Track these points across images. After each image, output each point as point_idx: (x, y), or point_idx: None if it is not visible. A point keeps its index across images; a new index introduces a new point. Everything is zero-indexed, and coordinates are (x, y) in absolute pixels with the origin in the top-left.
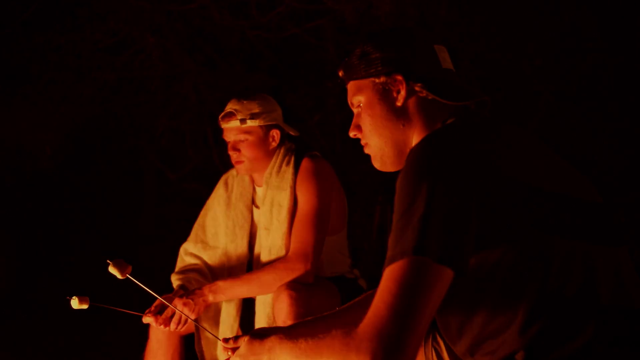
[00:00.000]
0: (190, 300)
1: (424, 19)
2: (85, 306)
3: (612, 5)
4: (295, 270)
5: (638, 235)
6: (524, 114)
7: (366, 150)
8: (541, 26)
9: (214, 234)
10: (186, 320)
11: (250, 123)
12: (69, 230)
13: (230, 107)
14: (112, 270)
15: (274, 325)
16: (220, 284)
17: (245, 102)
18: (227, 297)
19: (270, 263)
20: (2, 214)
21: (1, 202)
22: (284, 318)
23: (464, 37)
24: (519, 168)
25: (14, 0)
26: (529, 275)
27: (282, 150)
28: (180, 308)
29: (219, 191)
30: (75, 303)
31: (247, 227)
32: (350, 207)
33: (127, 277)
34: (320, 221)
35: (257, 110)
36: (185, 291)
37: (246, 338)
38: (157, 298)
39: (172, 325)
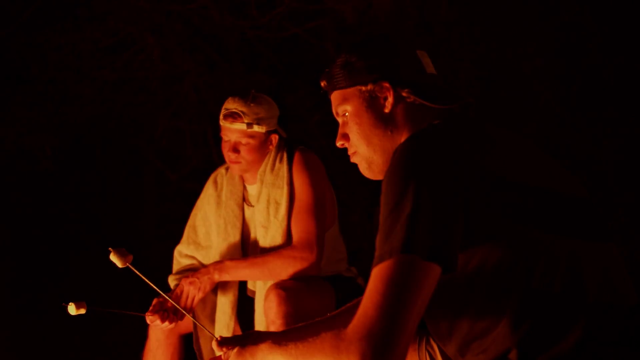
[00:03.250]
0: (196, 279)
1: (424, 19)
2: (82, 311)
3: (612, 5)
4: (302, 260)
5: (638, 235)
6: (524, 114)
7: (353, 159)
8: (541, 26)
9: (205, 234)
10: (190, 310)
11: (256, 128)
12: (68, 230)
13: (235, 107)
14: (113, 258)
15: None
16: (227, 263)
17: (252, 105)
18: (232, 277)
19: (276, 250)
20: (2, 214)
21: (1, 202)
22: (272, 317)
23: (464, 37)
24: (503, 166)
25: (14, 0)
26: (515, 272)
27: (274, 149)
28: (187, 287)
29: (208, 190)
30: (72, 309)
31: (239, 225)
32: (350, 207)
33: (127, 267)
34: (320, 210)
35: (263, 115)
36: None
37: (236, 349)
38: (155, 290)
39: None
